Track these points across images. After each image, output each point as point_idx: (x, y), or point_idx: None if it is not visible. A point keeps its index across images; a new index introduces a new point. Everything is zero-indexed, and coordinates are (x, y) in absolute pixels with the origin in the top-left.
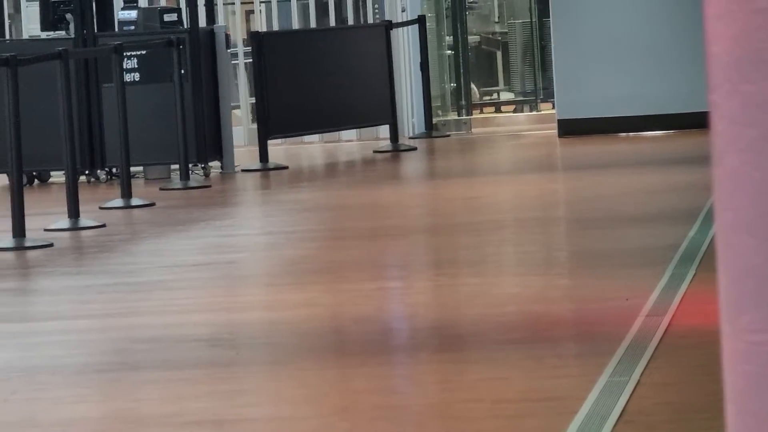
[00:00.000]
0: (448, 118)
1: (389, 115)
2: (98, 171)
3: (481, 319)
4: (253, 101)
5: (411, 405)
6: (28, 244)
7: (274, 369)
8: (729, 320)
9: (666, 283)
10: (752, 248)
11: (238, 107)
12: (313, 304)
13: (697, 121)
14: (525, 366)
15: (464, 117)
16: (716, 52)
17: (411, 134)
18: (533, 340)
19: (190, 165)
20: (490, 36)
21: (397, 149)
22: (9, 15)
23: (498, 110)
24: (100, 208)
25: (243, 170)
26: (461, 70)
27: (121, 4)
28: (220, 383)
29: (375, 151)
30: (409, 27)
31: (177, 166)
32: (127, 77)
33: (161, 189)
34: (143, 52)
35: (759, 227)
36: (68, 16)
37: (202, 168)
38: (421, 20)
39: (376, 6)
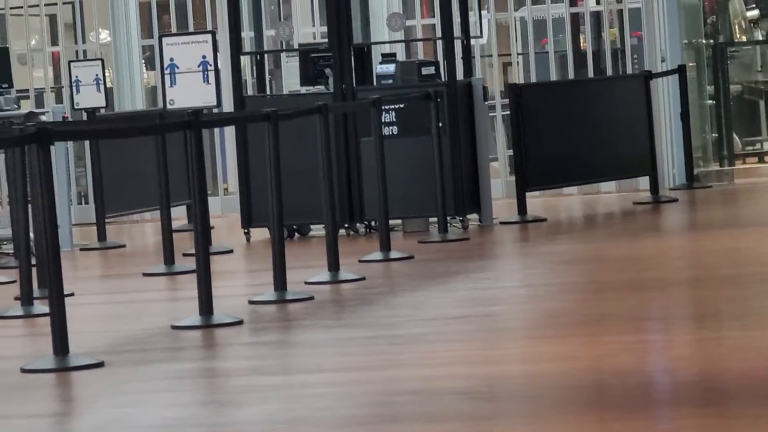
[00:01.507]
0: (710, 168)
1: (649, 167)
2: (357, 224)
3: (746, 374)
4: (511, 153)
5: None
6: (289, 297)
7: (533, 422)
8: None
9: None
10: None
11: (495, 160)
12: (572, 357)
13: None
14: None
15: (726, 167)
16: None
17: (671, 185)
18: None
19: (449, 218)
20: (753, 85)
21: (657, 201)
22: (269, 71)
23: (761, 160)
24: (360, 261)
25: (501, 223)
26: (723, 120)
27: (380, 59)
28: None
29: (635, 203)
30: (669, 77)
31: (435, 219)
32: (386, 131)
33: (420, 242)
34: (401, 105)
35: None
36: (327, 71)
37: (461, 221)
38: (681, 70)
39: (635, 56)
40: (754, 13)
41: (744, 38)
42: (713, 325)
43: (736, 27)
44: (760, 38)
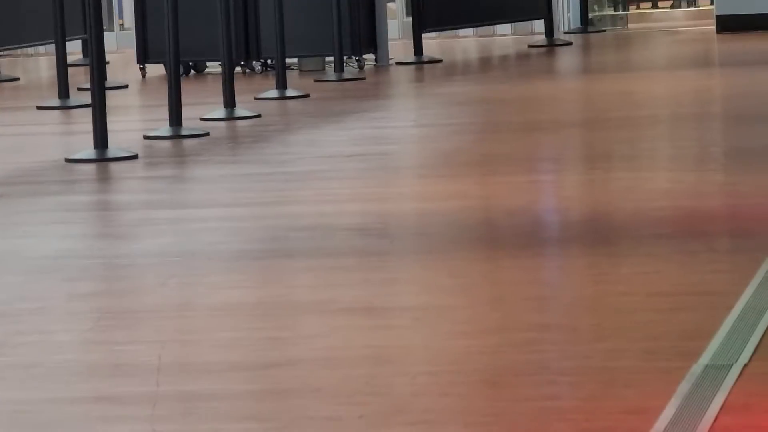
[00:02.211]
0: (604, 13)
1: (545, 10)
2: (254, 62)
3: (635, 214)
4: None
5: (563, 297)
6: (184, 132)
7: (426, 258)
8: None
9: None
10: None
11: (393, 0)
12: (465, 195)
13: None
14: (679, 260)
15: (620, 12)
16: None
17: (566, 29)
18: (687, 234)
19: (345, 57)
20: None
21: (552, 44)
22: None
23: (655, 5)
24: (256, 98)
25: (397, 63)
26: None
27: None
28: (373, 272)
29: (530, 46)
30: None
31: (332, 59)
32: None
33: (315, 81)
34: None
35: None
36: None
37: (357, 60)
38: None
39: None
40: None
41: None
42: (604, 165)
43: None
44: None
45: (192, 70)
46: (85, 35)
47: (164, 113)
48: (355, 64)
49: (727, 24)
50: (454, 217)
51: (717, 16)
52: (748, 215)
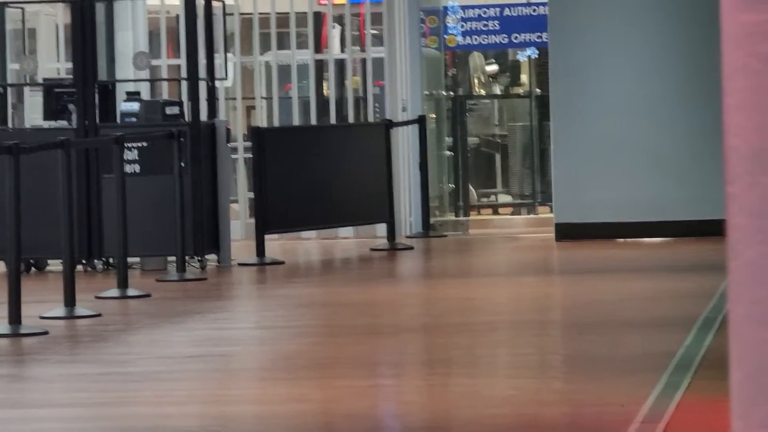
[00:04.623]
0: (446, 218)
1: (387, 214)
2: (95, 261)
3: (474, 420)
4: (252, 196)
5: None
6: (23, 331)
7: None
8: (741, 416)
9: (661, 390)
10: None
11: (236, 201)
12: (305, 399)
13: (696, 229)
14: None
15: (462, 218)
16: (736, 143)
17: (408, 233)
18: None
19: (187, 257)
20: (490, 138)
21: (393, 248)
22: (12, 104)
23: (496, 212)
24: (96, 297)
25: (239, 264)
26: (460, 171)
27: (124, 96)
28: None
29: (372, 249)
30: (409, 126)
31: (174, 258)
32: (128, 168)
33: (157, 280)
34: (144, 143)
35: None
36: (71, 106)
37: (199, 261)
38: (421, 120)
39: (377, 105)
40: (493, 68)
41: (483, 92)
42: (443, 371)
43: (476, 81)
44: (498, 92)
45: (33, 268)
46: None
47: (3, 311)
48: (198, 264)
49: (567, 232)
50: (293, 420)
51: (556, 224)
52: (586, 424)
